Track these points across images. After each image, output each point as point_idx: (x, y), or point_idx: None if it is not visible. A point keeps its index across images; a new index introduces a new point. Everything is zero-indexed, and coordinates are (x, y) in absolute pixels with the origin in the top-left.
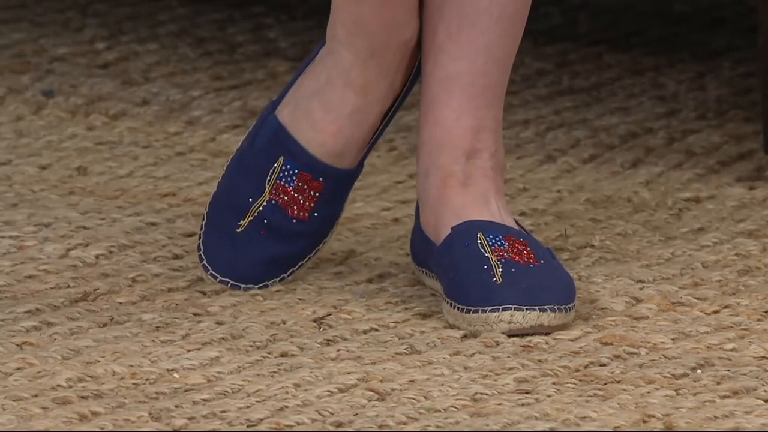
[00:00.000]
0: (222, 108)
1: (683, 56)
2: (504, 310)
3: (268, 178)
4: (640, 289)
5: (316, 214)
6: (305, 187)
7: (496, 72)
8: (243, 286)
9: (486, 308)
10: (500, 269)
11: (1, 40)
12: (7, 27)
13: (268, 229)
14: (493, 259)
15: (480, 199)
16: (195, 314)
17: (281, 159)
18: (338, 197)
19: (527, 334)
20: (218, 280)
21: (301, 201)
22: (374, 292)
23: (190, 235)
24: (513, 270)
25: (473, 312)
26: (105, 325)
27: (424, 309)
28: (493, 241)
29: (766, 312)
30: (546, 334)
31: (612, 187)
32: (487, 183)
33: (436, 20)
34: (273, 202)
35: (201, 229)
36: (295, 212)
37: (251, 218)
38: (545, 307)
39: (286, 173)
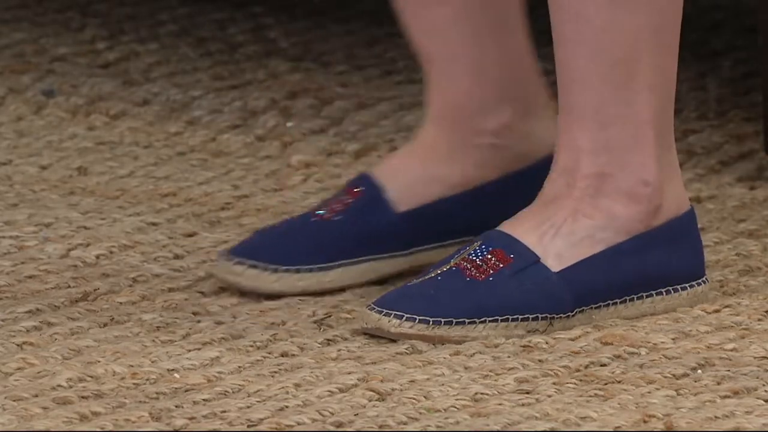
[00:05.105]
0: (222, 108)
1: (684, 56)
2: (369, 309)
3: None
4: None
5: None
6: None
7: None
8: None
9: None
10: (439, 275)
11: (1, 40)
12: (7, 27)
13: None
14: (449, 266)
15: (536, 220)
16: (195, 314)
17: None
18: (377, 203)
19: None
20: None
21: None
22: (374, 292)
23: (190, 235)
24: (439, 278)
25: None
26: (105, 325)
27: None
28: (477, 251)
29: (766, 312)
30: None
31: None
32: (566, 202)
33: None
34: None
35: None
36: (332, 209)
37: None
38: (401, 313)
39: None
